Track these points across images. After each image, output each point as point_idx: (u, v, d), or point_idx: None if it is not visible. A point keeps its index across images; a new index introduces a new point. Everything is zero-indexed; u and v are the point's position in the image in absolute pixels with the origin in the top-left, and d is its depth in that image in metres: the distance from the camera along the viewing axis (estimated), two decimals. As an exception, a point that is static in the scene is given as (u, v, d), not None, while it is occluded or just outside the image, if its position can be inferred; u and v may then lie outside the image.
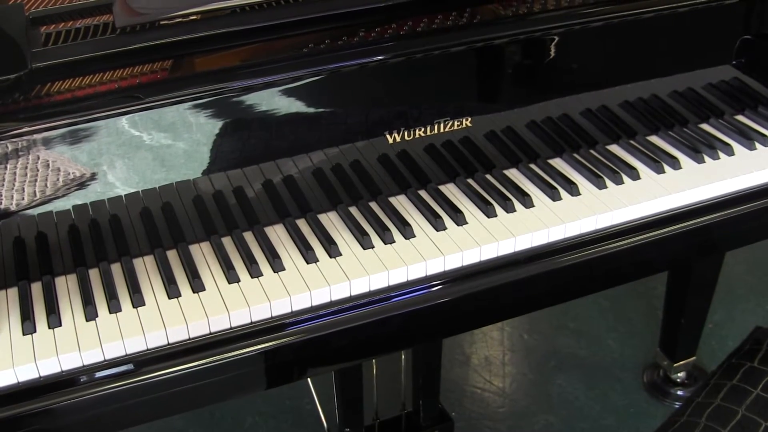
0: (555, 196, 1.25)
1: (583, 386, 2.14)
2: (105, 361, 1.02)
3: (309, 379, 2.04)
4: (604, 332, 2.32)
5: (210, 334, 1.05)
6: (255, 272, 1.11)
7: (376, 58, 1.18)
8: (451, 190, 1.27)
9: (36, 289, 1.11)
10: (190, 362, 1.04)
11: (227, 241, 1.18)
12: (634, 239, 1.24)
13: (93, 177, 1.11)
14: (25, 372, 1.00)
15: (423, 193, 1.26)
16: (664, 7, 1.33)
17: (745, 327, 2.29)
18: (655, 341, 2.15)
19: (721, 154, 1.35)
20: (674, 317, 2.02)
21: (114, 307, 1.07)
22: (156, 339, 1.04)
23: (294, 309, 1.08)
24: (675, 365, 2.09)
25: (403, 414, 1.76)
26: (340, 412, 1.63)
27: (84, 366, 1.02)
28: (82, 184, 1.11)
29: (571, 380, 2.16)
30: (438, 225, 1.19)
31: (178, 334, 1.04)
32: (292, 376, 1.17)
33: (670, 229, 1.26)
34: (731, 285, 2.48)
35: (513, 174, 1.31)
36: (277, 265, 1.12)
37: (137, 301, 1.08)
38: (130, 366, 1.03)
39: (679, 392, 2.09)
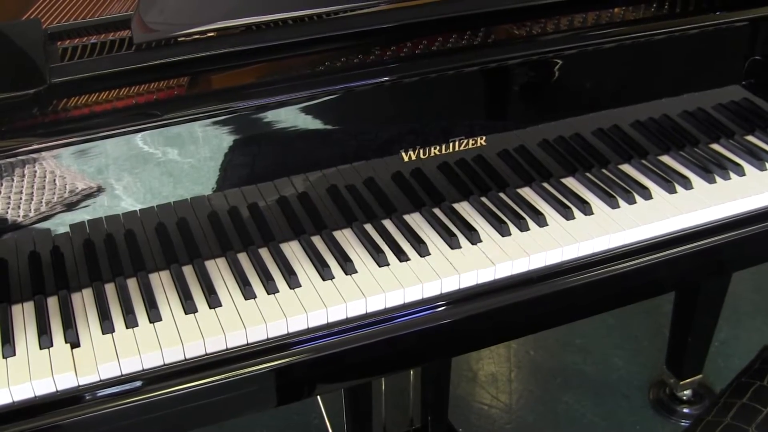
0: (568, 215, 1.25)
1: (589, 403, 2.14)
2: (122, 375, 1.02)
3: (317, 394, 2.04)
4: (611, 349, 2.32)
5: (227, 350, 1.05)
6: (271, 288, 1.12)
7: (391, 78, 1.19)
8: (465, 209, 1.28)
9: (52, 303, 1.12)
10: (206, 378, 1.04)
11: (243, 257, 1.18)
12: (646, 259, 1.25)
13: (108, 192, 1.11)
14: (43, 386, 1.00)
15: (437, 211, 1.27)
16: (675, 28, 1.34)
17: (751, 345, 2.30)
18: (662, 359, 2.15)
19: (732, 175, 1.36)
20: (681, 335, 2.02)
21: (131, 322, 1.07)
22: (173, 354, 1.04)
23: (310, 326, 1.08)
24: (681, 383, 2.09)
25: (411, 430, 1.77)
26: (349, 428, 1.63)
27: (100, 381, 1.02)
28: (97, 198, 1.11)
29: (578, 397, 2.16)
30: (452, 243, 1.19)
31: (194, 349, 1.04)
32: (303, 393, 1.17)
33: (681, 249, 1.27)
34: (737, 303, 2.48)
35: (526, 193, 1.32)
36: (293, 281, 1.12)
37: (154, 316, 1.08)
38: (147, 381, 1.03)
39: (686, 410, 2.10)
